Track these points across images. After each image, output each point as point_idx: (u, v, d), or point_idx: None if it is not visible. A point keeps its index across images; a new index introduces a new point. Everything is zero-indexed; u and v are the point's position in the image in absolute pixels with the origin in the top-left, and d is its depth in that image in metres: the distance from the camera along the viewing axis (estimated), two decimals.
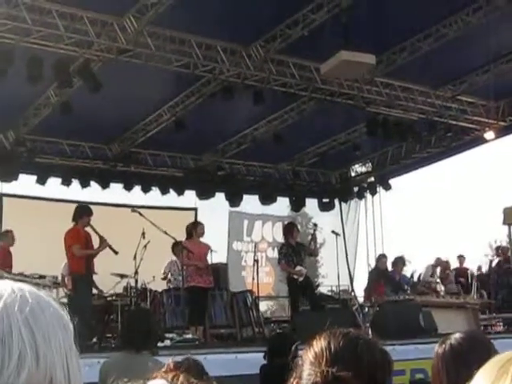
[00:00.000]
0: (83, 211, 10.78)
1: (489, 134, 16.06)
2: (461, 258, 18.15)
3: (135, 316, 6.61)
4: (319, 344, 1.84)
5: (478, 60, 13.36)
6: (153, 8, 10.48)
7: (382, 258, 15.51)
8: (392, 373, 1.87)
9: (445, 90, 14.79)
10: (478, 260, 18.32)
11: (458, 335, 2.60)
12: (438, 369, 2.53)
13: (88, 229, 10.68)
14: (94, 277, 10.95)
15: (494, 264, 17.17)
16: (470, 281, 17.02)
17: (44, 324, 0.99)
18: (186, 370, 2.60)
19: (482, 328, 13.99)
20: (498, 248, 18.21)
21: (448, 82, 14.57)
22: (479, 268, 17.89)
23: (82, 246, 10.43)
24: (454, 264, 17.96)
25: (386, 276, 14.89)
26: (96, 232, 10.64)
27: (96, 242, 10.67)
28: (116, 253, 10.59)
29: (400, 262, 15.56)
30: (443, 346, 2.55)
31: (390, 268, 15.58)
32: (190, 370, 2.67)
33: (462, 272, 17.70)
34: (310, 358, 1.82)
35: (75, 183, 15.88)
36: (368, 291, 14.90)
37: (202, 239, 12.10)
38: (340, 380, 1.73)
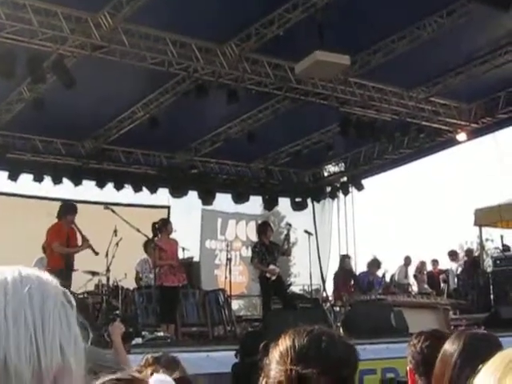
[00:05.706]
0: (68, 209, 10.85)
1: (461, 136, 16.21)
2: (434, 262, 18.27)
3: None
4: (284, 343, 1.85)
5: (452, 62, 13.47)
6: (128, 5, 10.43)
7: (345, 258, 15.76)
8: (358, 367, 1.88)
9: (418, 91, 14.88)
10: (447, 260, 18.27)
11: (469, 333, 2.49)
12: (451, 367, 2.36)
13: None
14: None
15: (462, 266, 17.30)
16: (441, 285, 17.19)
17: (10, 304, 1.00)
18: (166, 366, 2.61)
19: (452, 328, 14.09)
20: (451, 253, 18.04)
21: (421, 84, 14.66)
22: (447, 272, 17.95)
23: (62, 243, 10.56)
24: (428, 267, 18.10)
25: (353, 276, 15.02)
26: (79, 232, 10.80)
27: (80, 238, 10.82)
28: (96, 253, 10.70)
29: (375, 263, 15.70)
30: (457, 342, 2.40)
31: (365, 269, 15.77)
32: (169, 365, 2.67)
33: (434, 276, 17.83)
34: (276, 357, 1.84)
35: (47, 180, 15.78)
36: (336, 291, 14.99)
37: (170, 236, 12.08)
38: (305, 378, 1.75)
